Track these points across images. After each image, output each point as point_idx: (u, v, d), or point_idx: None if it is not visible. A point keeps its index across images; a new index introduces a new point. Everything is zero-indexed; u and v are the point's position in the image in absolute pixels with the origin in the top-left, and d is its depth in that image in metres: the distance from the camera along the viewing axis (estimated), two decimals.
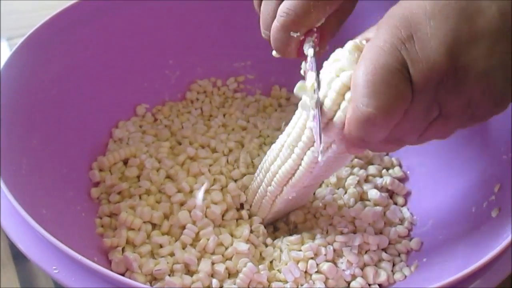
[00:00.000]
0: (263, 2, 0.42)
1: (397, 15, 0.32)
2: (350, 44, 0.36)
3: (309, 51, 0.40)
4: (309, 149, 0.40)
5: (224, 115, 0.57)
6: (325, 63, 0.37)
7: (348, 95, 0.34)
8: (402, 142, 0.35)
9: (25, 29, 0.48)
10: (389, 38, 0.32)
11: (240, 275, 0.42)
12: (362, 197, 0.50)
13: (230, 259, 0.44)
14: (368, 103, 0.31)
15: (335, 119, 0.35)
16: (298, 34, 0.39)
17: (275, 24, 0.40)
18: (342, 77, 0.34)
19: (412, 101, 0.32)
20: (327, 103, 0.35)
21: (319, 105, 0.36)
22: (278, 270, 0.44)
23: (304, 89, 0.37)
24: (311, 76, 0.37)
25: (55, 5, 0.50)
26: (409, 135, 0.34)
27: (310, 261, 0.43)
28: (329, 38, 0.43)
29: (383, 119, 0.32)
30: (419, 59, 0.31)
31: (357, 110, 0.32)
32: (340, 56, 0.36)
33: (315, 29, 0.40)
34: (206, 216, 0.46)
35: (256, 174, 0.47)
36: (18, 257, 0.49)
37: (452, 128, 0.34)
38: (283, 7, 0.39)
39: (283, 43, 0.40)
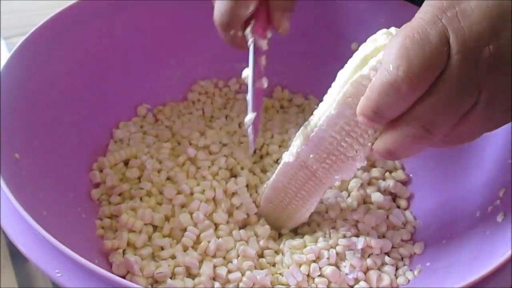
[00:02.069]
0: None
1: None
2: (384, 30, 0.36)
3: (249, 42, 0.44)
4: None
5: (226, 117, 0.57)
6: (362, 45, 0.37)
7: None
8: (430, 132, 0.32)
9: (23, 28, 0.47)
10: (430, 8, 0.31)
11: (244, 278, 0.42)
12: (365, 200, 0.49)
13: (232, 262, 0.43)
14: (398, 65, 0.31)
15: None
16: (232, 32, 0.44)
17: (214, 18, 0.45)
18: (378, 56, 0.35)
19: (448, 75, 0.31)
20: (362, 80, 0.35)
21: (252, 97, 0.42)
22: (280, 273, 0.44)
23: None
24: (247, 68, 0.43)
25: (53, 5, 0.50)
26: (440, 122, 0.32)
27: (313, 265, 0.43)
28: (281, 14, 0.45)
29: (409, 85, 0.31)
30: (460, 27, 0.30)
31: (385, 72, 0.31)
32: (378, 37, 0.36)
33: (252, 21, 0.44)
34: (207, 218, 0.46)
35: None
36: (16, 257, 0.49)
37: (490, 121, 0.32)
38: (216, 12, 0.44)
39: (229, 41, 0.45)
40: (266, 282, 0.42)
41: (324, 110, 0.39)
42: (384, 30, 0.36)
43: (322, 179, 0.42)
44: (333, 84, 0.39)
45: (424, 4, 0.33)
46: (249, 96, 0.43)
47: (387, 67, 0.31)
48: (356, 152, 0.39)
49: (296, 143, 0.42)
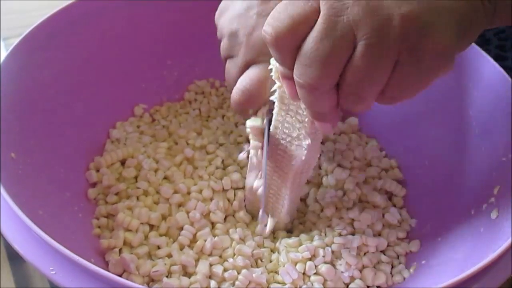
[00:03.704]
0: (226, 64, 0.45)
1: None
2: None
3: (265, 130, 0.43)
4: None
5: (222, 116, 0.57)
6: None
7: None
8: (359, 93, 0.31)
9: (22, 29, 0.47)
10: None
11: (240, 276, 0.42)
12: (361, 199, 0.49)
13: (228, 260, 0.43)
14: (267, 22, 0.32)
15: None
16: (251, 111, 0.44)
17: (233, 96, 0.43)
18: None
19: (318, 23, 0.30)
20: None
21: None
22: (276, 272, 0.44)
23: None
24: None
25: (52, 5, 0.50)
26: (366, 84, 0.31)
27: (309, 263, 0.43)
28: None
29: (274, 41, 0.31)
30: None
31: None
32: None
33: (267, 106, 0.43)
34: (204, 217, 0.46)
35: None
36: (14, 258, 0.49)
37: (412, 79, 0.31)
38: (240, 85, 0.43)
39: (240, 112, 0.45)
40: (261, 280, 0.42)
41: None
42: None
43: (283, 169, 0.43)
44: None
45: None
46: (263, 177, 0.44)
47: (263, 26, 0.32)
48: (299, 130, 0.39)
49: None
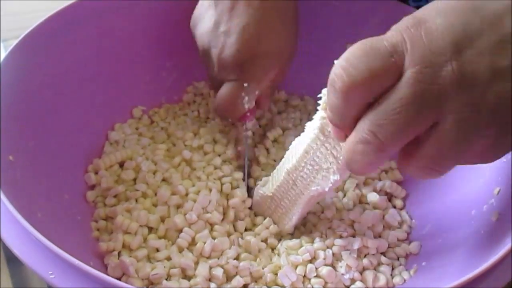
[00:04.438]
0: (209, 70, 0.50)
1: (407, 17, 0.31)
2: None
3: (245, 136, 0.51)
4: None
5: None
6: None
7: None
8: (377, 137, 0.30)
9: (20, 30, 0.47)
10: (395, 26, 0.31)
11: (239, 278, 0.42)
12: (361, 200, 0.49)
13: (228, 263, 0.43)
14: (341, 65, 0.30)
15: None
16: (230, 119, 0.50)
17: (214, 108, 0.49)
18: None
19: (400, 86, 0.29)
20: None
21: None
22: (276, 273, 0.44)
23: None
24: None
25: (51, 7, 0.50)
26: (388, 129, 0.30)
27: (309, 265, 0.43)
28: (267, 102, 0.51)
29: (345, 88, 0.30)
30: (421, 41, 0.29)
31: (332, 73, 0.31)
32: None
33: (248, 114, 0.49)
34: (200, 219, 0.46)
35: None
36: (12, 260, 0.49)
37: (465, 144, 0.29)
38: (216, 102, 0.48)
39: (223, 120, 0.52)
40: (262, 283, 0.42)
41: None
42: None
43: (302, 189, 0.43)
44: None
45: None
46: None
47: (334, 68, 0.31)
48: (330, 164, 0.39)
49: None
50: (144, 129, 0.55)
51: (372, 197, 0.49)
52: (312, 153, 0.40)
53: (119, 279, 0.41)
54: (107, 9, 0.52)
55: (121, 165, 0.51)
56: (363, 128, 0.31)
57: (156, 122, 0.56)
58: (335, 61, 0.32)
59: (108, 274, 0.41)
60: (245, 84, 0.46)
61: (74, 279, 0.34)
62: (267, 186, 0.47)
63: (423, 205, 0.49)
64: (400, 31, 0.30)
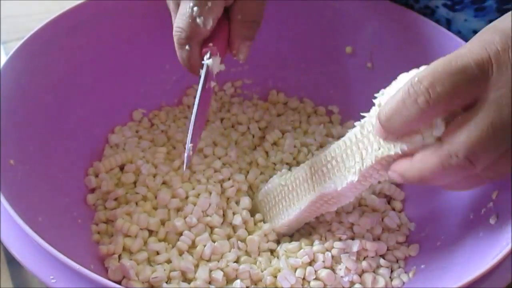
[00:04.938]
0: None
1: (491, 28, 0.32)
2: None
3: (204, 63, 0.43)
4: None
5: (221, 120, 0.57)
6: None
7: None
8: (473, 164, 0.32)
9: (21, 33, 0.47)
10: (480, 41, 0.31)
11: (240, 281, 0.42)
12: (360, 203, 0.49)
13: (228, 266, 0.43)
14: (422, 79, 0.31)
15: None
16: (188, 47, 0.43)
17: (175, 42, 0.44)
18: None
19: (486, 108, 0.31)
20: None
21: (192, 128, 0.41)
22: (275, 276, 0.44)
23: None
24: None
25: (51, 10, 0.50)
26: (483, 155, 0.31)
27: (309, 268, 0.43)
28: (241, 42, 0.45)
29: (425, 100, 0.31)
30: (508, 63, 0.30)
31: (409, 83, 0.32)
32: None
33: (211, 44, 0.43)
34: (200, 222, 0.46)
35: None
36: (12, 261, 0.49)
37: None
38: (174, 27, 0.43)
39: (183, 59, 0.44)
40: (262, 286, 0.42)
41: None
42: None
43: (316, 184, 0.43)
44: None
45: (476, 35, 0.33)
46: (190, 126, 0.42)
47: (412, 79, 0.32)
48: (354, 164, 0.38)
49: None
50: (144, 132, 0.55)
51: (371, 199, 0.49)
52: (343, 150, 0.39)
53: (120, 282, 0.42)
54: (107, 13, 0.52)
55: (121, 168, 0.51)
56: (457, 155, 0.32)
57: (156, 125, 0.56)
58: (415, 73, 0.33)
59: (108, 277, 0.41)
60: (191, 4, 0.42)
61: (74, 282, 0.34)
62: (284, 177, 0.46)
63: (421, 208, 0.49)
64: (488, 52, 0.31)
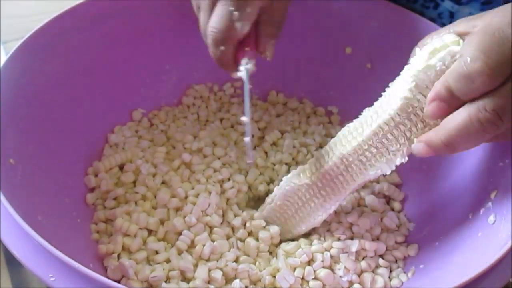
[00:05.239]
0: (200, 19, 0.46)
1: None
2: (449, 31, 0.38)
3: (242, 74, 0.45)
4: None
5: (221, 120, 0.57)
6: (429, 43, 0.38)
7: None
8: (500, 118, 0.33)
9: (21, 33, 0.47)
10: (509, 10, 0.34)
11: (239, 282, 0.42)
12: (359, 203, 0.50)
13: (227, 265, 0.44)
14: (476, 58, 0.33)
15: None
16: (223, 48, 0.44)
17: (208, 41, 0.45)
18: (448, 49, 0.36)
19: None
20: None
21: (249, 123, 0.43)
22: (274, 276, 0.44)
23: None
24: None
25: (51, 10, 0.50)
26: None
27: (307, 268, 0.43)
28: (268, 41, 0.47)
29: (483, 78, 0.33)
30: None
31: (462, 63, 0.34)
32: (444, 36, 0.37)
33: (247, 48, 0.45)
34: (199, 221, 0.46)
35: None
36: (12, 262, 0.49)
37: None
38: (209, 26, 0.45)
39: (217, 58, 0.45)
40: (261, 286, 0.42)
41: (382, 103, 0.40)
42: (450, 31, 0.38)
43: (354, 175, 0.42)
44: (397, 78, 0.40)
45: (502, 7, 0.35)
46: (246, 127, 0.44)
47: (465, 59, 0.34)
48: (400, 146, 0.39)
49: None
50: (144, 132, 0.55)
51: (370, 200, 0.49)
52: (382, 135, 0.39)
53: (119, 281, 0.42)
54: (106, 13, 0.52)
55: (121, 167, 0.51)
56: (486, 109, 0.33)
57: (155, 124, 0.56)
58: (462, 42, 0.35)
59: (107, 277, 0.41)
60: (231, 8, 0.43)
61: (74, 281, 0.34)
62: (302, 175, 0.45)
63: (420, 208, 0.49)
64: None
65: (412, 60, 0.38)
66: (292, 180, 0.45)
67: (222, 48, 0.44)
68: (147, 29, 0.55)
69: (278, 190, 0.47)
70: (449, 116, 0.35)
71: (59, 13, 0.49)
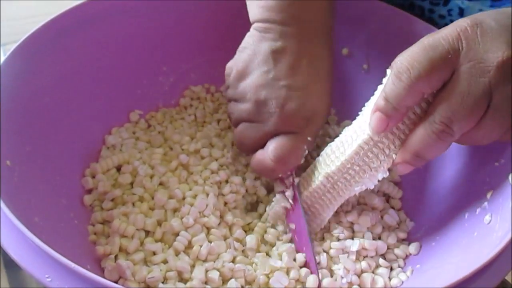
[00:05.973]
0: (245, 127, 0.47)
1: (464, 18, 0.36)
2: None
3: (294, 181, 0.47)
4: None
5: (218, 121, 0.57)
6: None
7: None
8: (449, 127, 0.36)
9: (20, 35, 0.48)
10: (452, 25, 0.36)
11: (235, 281, 0.42)
12: (359, 202, 0.49)
13: (224, 266, 0.44)
14: (403, 60, 0.36)
15: None
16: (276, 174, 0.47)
17: (264, 163, 0.46)
18: None
19: (456, 80, 0.35)
20: None
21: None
22: (269, 277, 0.44)
23: None
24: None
25: (49, 12, 0.50)
26: (457, 119, 0.35)
27: (303, 269, 0.43)
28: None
29: (409, 81, 0.35)
30: (476, 39, 0.35)
31: (394, 65, 0.37)
32: None
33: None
34: (198, 222, 0.46)
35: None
36: (10, 264, 0.49)
37: (496, 126, 0.36)
38: (274, 153, 0.45)
39: (269, 176, 0.48)
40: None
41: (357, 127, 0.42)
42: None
43: (341, 191, 0.44)
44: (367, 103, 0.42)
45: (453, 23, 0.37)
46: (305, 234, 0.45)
47: (395, 62, 0.37)
48: (380, 163, 0.41)
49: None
50: (141, 133, 0.55)
51: (370, 198, 0.49)
52: (362, 154, 0.41)
53: (116, 282, 0.42)
54: (104, 14, 0.53)
55: (118, 169, 0.51)
56: (434, 121, 0.36)
57: (153, 126, 0.56)
58: (397, 58, 0.37)
59: (105, 278, 0.41)
60: (309, 138, 0.46)
61: (71, 282, 0.34)
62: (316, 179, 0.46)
63: (418, 207, 0.49)
64: (457, 30, 0.36)
65: (384, 80, 0.39)
66: (282, 202, 0.47)
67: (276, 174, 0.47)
68: (146, 30, 0.55)
69: (269, 210, 0.48)
70: (412, 133, 0.38)
71: (56, 14, 0.50)
